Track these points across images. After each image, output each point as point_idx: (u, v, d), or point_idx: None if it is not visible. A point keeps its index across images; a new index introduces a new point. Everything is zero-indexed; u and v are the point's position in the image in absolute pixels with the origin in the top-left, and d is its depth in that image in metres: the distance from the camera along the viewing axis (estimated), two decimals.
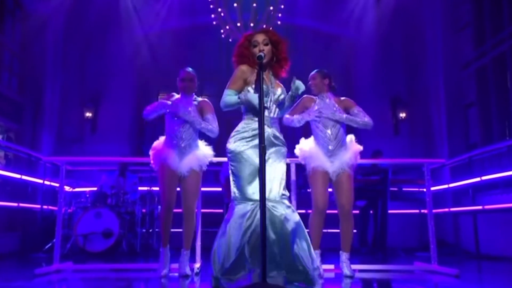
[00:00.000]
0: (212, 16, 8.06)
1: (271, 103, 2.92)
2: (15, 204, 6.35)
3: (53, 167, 7.25)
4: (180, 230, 3.77)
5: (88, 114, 8.53)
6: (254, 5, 7.68)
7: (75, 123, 8.53)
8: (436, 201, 6.38)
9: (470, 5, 7.47)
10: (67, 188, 6.66)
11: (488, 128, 6.95)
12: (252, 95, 2.78)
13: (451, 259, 5.52)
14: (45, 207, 6.87)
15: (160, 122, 3.89)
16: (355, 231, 6.92)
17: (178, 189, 3.78)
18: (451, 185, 7.19)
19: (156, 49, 9.54)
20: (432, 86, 8.15)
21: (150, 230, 6.64)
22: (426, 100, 8.36)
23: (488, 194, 6.25)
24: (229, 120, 9.26)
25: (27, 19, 7.77)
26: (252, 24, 7.55)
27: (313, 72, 3.95)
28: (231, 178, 2.91)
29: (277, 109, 2.97)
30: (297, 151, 3.85)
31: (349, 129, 3.92)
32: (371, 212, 6.71)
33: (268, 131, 2.84)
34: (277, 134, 2.93)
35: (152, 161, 3.81)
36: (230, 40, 8.04)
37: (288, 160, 3.62)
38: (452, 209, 7.13)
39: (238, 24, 7.73)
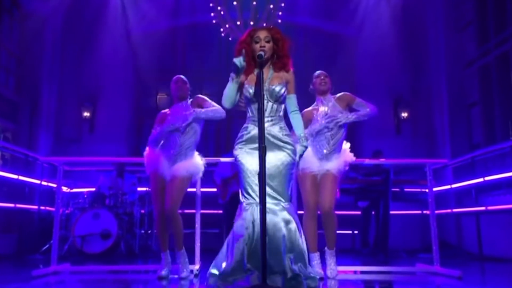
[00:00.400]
0: (212, 14, 8.05)
1: (267, 102, 2.90)
2: (12, 205, 6.36)
3: (51, 168, 7.25)
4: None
5: (86, 114, 8.53)
6: (254, 3, 7.67)
7: (73, 123, 8.53)
8: (439, 202, 6.36)
9: (472, 3, 7.47)
10: (64, 188, 6.65)
11: (491, 128, 6.95)
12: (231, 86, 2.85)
13: (453, 260, 5.52)
14: (42, 208, 6.87)
15: None
16: (356, 232, 7.01)
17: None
18: (454, 185, 7.19)
19: (154, 48, 9.54)
20: (435, 86, 8.16)
21: (149, 231, 6.64)
22: (428, 99, 8.37)
23: (491, 195, 6.25)
24: (229, 120, 9.30)
25: (25, 18, 7.77)
26: (252, 23, 7.55)
27: (320, 72, 3.94)
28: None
29: (277, 106, 2.92)
30: None
31: (349, 129, 3.92)
32: (372, 213, 6.71)
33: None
34: (277, 133, 2.89)
35: (146, 167, 3.85)
36: (230, 39, 8.04)
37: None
38: (454, 210, 7.13)
39: (238, 23, 7.73)
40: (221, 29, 8.08)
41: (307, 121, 3.81)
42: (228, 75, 3.00)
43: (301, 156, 2.97)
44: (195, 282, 3.58)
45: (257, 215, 2.71)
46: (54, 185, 6.34)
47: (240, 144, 2.91)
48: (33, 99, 7.79)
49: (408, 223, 7.57)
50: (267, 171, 2.70)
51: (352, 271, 4.40)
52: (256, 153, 2.80)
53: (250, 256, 2.68)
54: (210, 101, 3.77)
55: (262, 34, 2.94)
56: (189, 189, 4.05)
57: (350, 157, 3.84)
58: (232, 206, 5.78)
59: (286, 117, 3.07)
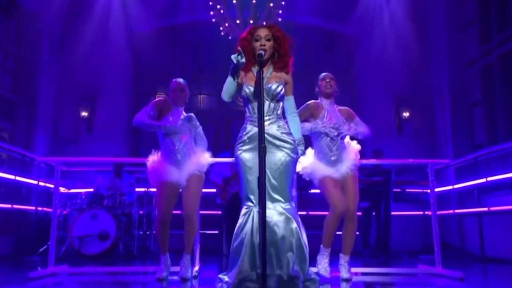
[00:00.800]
0: (211, 13, 8.05)
1: (264, 100, 2.89)
2: (9, 206, 6.36)
3: (48, 168, 7.25)
4: (180, 232, 3.77)
5: (84, 114, 8.52)
6: (254, 1, 7.67)
7: (71, 123, 8.53)
8: (441, 202, 6.38)
9: (474, 2, 7.47)
10: (62, 189, 6.65)
11: (493, 128, 6.95)
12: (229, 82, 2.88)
13: (455, 262, 5.53)
14: (39, 208, 6.86)
15: None
16: (357, 233, 7.00)
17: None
18: (456, 186, 7.19)
19: (153, 47, 9.54)
20: (436, 85, 8.16)
21: (148, 232, 6.64)
22: (430, 99, 8.37)
23: (494, 196, 6.25)
24: (228, 120, 9.31)
25: (22, 17, 7.78)
26: (251, 21, 7.54)
27: (326, 74, 3.92)
28: None
29: (275, 104, 2.92)
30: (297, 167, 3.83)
31: None
32: (373, 213, 6.71)
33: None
34: (276, 132, 2.89)
35: (149, 177, 3.87)
36: (230, 38, 8.04)
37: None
38: (456, 210, 7.13)
39: (238, 22, 7.72)
40: (221, 28, 8.07)
41: (311, 115, 3.80)
42: (228, 74, 3.01)
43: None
44: (194, 284, 3.59)
45: (256, 218, 2.71)
46: (52, 186, 6.36)
47: (240, 145, 2.92)
48: (30, 98, 7.79)
49: (410, 224, 7.57)
50: (267, 171, 2.71)
51: (353, 272, 4.39)
52: (256, 153, 2.81)
53: (251, 259, 2.69)
54: (200, 127, 3.94)
55: (263, 33, 2.94)
56: None
57: (356, 147, 3.88)
58: (232, 206, 5.78)
59: (286, 117, 3.08)
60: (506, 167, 6.10)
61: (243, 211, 2.81)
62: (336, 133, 3.74)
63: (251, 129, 2.90)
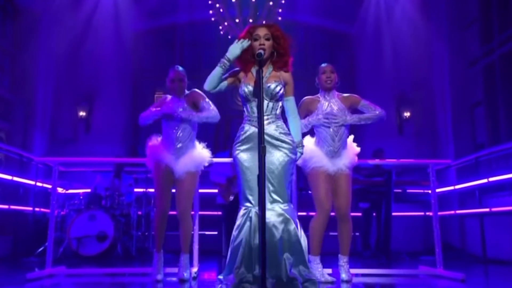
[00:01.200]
0: (210, 12, 8.05)
1: (263, 100, 2.90)
2: (6, 207, 6.35)
3: (46, 168, 7.24)
4: (177, 232, 3.78)
5: (82, 114, 8.52)
6: (253, 0, 7.67)
7: (69, 123, 8.53)
8: (442, 203, 6.37)
9: (476, 1, 7.47)
10: (60, 189, 6.65)
11: (495, 128, 6.95)
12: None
13: (457, 263, 5.53)
14: (37, 209, 6.86)
15: (156, 123, 3.90)
16: (357, 234, 7.01)
17: (173, 190, 3.80)
18: (457, 186, 7.19)
19: (152, 46, 9.55)
20: (438, 84, 8.16)
21: (146, 233, 6.64)
22: (431, 98, 8.37)
23: (496, 196, 6.26)
24: (228, 120, 9.31)
25: (19, 15, 7.77)
26: (251, 20, 7.55)
27: (327, 65, 3.86)
28: None
29: (273, 104, 2.92)
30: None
31: (351, 129, 3.90)
32: (374, 214, 6.71)
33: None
34: (274, 132, 2.89)
35: (148, 159, 3.84)
36: (229, 37, 8.04)
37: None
38: (458, 211, 7.14)
39: (237, 20, 7.73)
40: (220, 27, 8.08)
41: (308, 110, 3.78)
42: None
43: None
44: (193, 285, 3.59)
45: (254, 219, 2.71)
46: (49, 186, 6.34)
47: (238, 145, 2.93)
48: (27, 98, 7.78)
49: (411, 225, 7.58)
50: (266, 171, 2.71)
51: (353, 273, 4.40)
52: (253, 153, 2.81)
53: (248, 261, 2.69)
54: (207, 100, 3.74)
55: (262, 32, 2.94)
56: None
57: (356, 149, 3.84)
58: (234, 207, 5.77)
59: (284, 117, 3.08)
60: (508, 167, 6.10)
61: (242, 211, 2.82)
62: (328, 122, 3.68)
63: (249, 129, 2.91)
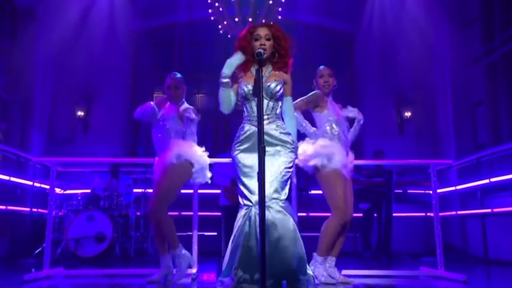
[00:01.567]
0: (210, 11, 8.05)
1: (262, 99, 2.89)
2: (4, 207, 6.35)
3: (43, 168, 7.24)
4: (177, 233, 3.77)
5: (80, 113, 8.52)
6: None
7: (67, 123, 8.52)
8: (443, 203, 6.38)
9: None
10: (57, 190, 6.65)
11: (497, 128, 6.96)
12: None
13: (458, 264, 5.53)
14: (34, 210, 6.85)
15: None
16: (358, 234, 7.00)
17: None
18: (459, 187, 7.20)
19: (151, 45, 9.55)
20: (439, 84, 8.16)
21: (145, 234, 6.63)
22: (432, 98, 8.37)
23: (497, 197, 6.26)
24: (227, 119, 9.30)
25: (16, 14, 7.76)
26: (250, 19, 7.54)
27: (325, 68, 3.79)
28: None
29: (273, 103, 2.92)
30: (308, 147, 3.60)
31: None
32: (375, 215, 6.71)
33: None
34: (274, 132, 2.89)
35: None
36: (229, 36, 8.04)
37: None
38: (459, 212, 7.14)
39: (236, 19, 7.72)
40: (219, 26, 8.07)
41: (314, 104, 3.71)
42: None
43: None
44: (192, 286, 3.58)
45: (253, 218, 2.71)
46: (47, 187, 6.33)
47: (237, 145, 2.93)
48: (25, 97, 7.78)
49: (412, 225, 7.58)
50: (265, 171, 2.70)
51: (353, 275, 4.40)
52: (253, 153, 2.81)
53: (246, 261, 2.68)
54: (188, 123, 3.68)
55: (263, 32, 2.94)
56: (186, 191, 4.05)
57: (353, 161, 3.81)
58: (235, 208, 5.75)
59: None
60: (510, 167, 6.10)
61: (242, 211, 2.81)
62: (338, 122, 3.68)
63: (249, 129, 2.91)
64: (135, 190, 6.81)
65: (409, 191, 6.86)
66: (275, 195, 2.79)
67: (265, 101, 2.90)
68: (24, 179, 6.84)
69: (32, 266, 5.25)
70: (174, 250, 3.64)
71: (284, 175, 2.84)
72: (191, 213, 4.37)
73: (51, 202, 4.31)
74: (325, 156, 3.49)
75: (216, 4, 7.89)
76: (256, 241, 2.66)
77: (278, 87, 2.92)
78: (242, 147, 2.90)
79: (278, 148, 2.87)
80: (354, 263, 5.79)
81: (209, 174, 3.76)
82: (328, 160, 3.50)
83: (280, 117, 2.98)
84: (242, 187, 2.85)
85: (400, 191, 6.70)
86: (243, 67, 2.98)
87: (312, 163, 3.52)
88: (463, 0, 7.89)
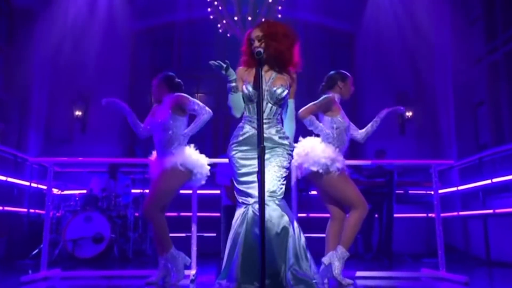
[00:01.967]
0: (209, 10, 8.05)
1: (266, 103, 2.87)
2: (0, 208, 6.34)
3: (41, 169, 7.24)
4: (174, 234, 3.76)
5: (78, 113, 8.51)
6: None
7: (64, 122, 8.51)
8: (444, 204, 6.38)
9: None
10: (55, 190, 6.64)
11: (499, 128, 6.96)
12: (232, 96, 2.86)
13: (460, 265, 5.53)
14: (32, 211, 6.86)
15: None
16: (358, 236, 7.00)
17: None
18: (460, 187, 7.19)
19: (149, 45, 9.54)
20: (440, 83, 8.16)
21: (143, 235, 6.63)
22: (433, 98, 8.37)
23: (499, 197, 6.26)
24: (226, 119, 9.30)
25: (13, 13, 7.76)
26: (250, 18, 7.54)
27: (346, 73, 3.95)
28: None
29: (277, 108, 2.89)
30: (310, 150, 3.63)
31: None
32: (375, 216, 6.71)
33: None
34: (273, 136, 2.86)
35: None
36: (228, 35, 8.04)
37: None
38: (461, 213, 7.14)
39: (236, 18, 7.72)
40: (219, 25, 8.07)
41: (327, 109, 3.74)
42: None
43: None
44: None
45: (250, 218, 2.69)
46: (44, 187, 6.34)
47: (235, 145, 2.90)
48: (22, 96, 7.77)
49: (413, 226, 7.58)
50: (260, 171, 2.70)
51: (354, 276, 4.40)
52: (250, 156, 2.80)
53: (244, 261, 2.66)
54: (192, 100, 3.68)
55: (254, 34, 2.89)
56: (185, 191, 4.05)
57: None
58: (234, 209, 5.75)
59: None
60: None
61: (241, 210, 2.79)
62: (348, 128, 3.82)
63: (249, 130, 2.89)
64: (133, 191, 6.81)
65: (410, 191, 6.85)
66: (271, 193, 2.74)
67: (269, 105, 2.87)
68: (21, 179, 6.84)
69: (29, 267, 5.25)
70: (167, 252, 3.64)
71: (281, 177, 2.80)
72: (190, 213, 4.36)
73: (49, 203, 4.30)
74: (329, 161, 3.55)
75: (215, 3, 7.89)
76: (253, 240, 2.64)
77: (284, 93, 2.88)
78: (240, 148, 2.87)
79: (277, 150, 2.85)
80: (354, 265, 5.79)
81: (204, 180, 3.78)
82: (332, 164, 3.55)
83: (281, 121, 2.96)
84: (240, 186, 2.82)
85: (401, 191, 6.70)
86: (247, 65, 2.95)
87: (314, 168, 3.56)
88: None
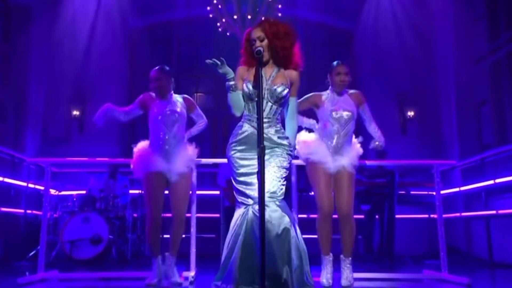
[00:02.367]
0: (208, 8, 8.05)
1: (266, 102, 2.87)
2: None
3: (38, 169, 7.23)
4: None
5: (76, 113, 8.51)
6: None
7: (62, 122, 8.51)
8: (447, 205, 6.38)
9: None
10: (52, 191, 6.64)
11: (502, 128, 6.95)
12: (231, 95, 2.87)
13: (462, 267, 5.53)
14: (29, 211, 6.85)
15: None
16: (360, 237, 7.00)
17: (166, 192, 3.79)
18: (462, 188, 7.19)
19: (148, 43, 9.54)
20: (443, 83, 8.16)
21: (142, 236, 6.63)
22: (435, 97, 8.37)
23: (502, 198, 6.25)
24: (226, 119, 9.30)
25: (10, 11, 7.75)
26: (249, 17, 7.54)
27: (340, 65, 3.86)
28: None
29: (277, 107, 2.89)
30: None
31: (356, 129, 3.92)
32: (377, 217, 6.71)
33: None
34: (272, 136, 2.86)
35: (133, 166, 3.86)
36: (228, 34, 8.04)
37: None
38: (463, 213, 7.13)
39: (235, 17, 7.72)
40: (218, 24, 8.07)
41: (313, 105, 3.84)
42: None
43: None
44: None
45: (250, 219, 2.69)
46: (42, 188, 6.34)
47: (234, 145, 2.90)
48: (19, 96, 7.76)
49: (414, 227, 7.57)
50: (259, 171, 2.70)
51: (356, 278, 4.39)
52: (250, 156, 2.80)
53: (243, 261, 2.66)
54: (199, 110, 4.02)
55: (255, 34, 2.89)
56: None
57: (359, 150, 3.86)
58: (234, 210, 5.75)
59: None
60: None
61: (241, 210, 2.79)
62: (337, 118, 3.74)
63: (248, 129, 2.88)
64: (131, 191, 6.81)
65: (412, 192, 6.85)
66: (271, 194, 2.74)
67: (269, 104, 2.87)
68: (18, 180, 6.84)
69: (26, 269, 5.24)
70: (174, 255, 3.78)
71: (280, 178, 2.80)
72: (189, 214, 4.35)
73: (46, 204, 4.30)
74: (303, 153, 3.73)
75: (215, 1, 7.90)
76: (253, 241, 2.64)
77: (285, 92, 2.88)
78: (239, 148, 2.87)
79: (276, 150, 2.85)
80: (356, 266, 5.78)
81: None
82: (309, 155, 3.70)
83: (280, 121, 2.96)
84: (238, 186, 2.82)
85: (403, 192, 6.70)
86: (247, 63, 2.94)
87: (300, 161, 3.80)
88: None
